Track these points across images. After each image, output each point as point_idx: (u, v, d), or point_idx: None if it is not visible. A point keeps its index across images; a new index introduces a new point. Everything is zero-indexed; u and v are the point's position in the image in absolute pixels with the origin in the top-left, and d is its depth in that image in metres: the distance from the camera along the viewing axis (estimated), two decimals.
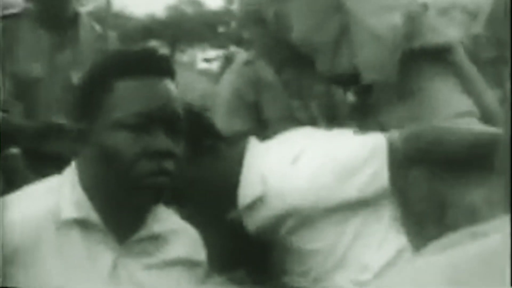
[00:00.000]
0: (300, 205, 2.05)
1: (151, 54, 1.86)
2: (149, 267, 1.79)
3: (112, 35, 3.34)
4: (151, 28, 6.55)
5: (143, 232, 1.78)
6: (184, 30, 6.49)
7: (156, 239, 1.81)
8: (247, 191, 2.14)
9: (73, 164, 1.83)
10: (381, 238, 2.15)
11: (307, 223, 2.10)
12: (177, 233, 1.85)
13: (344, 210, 2.07)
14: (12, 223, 1.66)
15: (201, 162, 2.11)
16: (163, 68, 1.77)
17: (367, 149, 2.10)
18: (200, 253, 1.91)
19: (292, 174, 2.07)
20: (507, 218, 0.98)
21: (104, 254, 1.73)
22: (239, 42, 4.16)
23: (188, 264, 1.86)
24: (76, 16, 2.86)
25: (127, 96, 1.74)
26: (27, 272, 1.70)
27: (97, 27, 2.94)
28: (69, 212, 1.72)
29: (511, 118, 0.82)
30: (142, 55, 1.86)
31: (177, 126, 1.76)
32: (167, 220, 1.84)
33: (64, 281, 1.67)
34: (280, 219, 2.08)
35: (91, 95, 1.78)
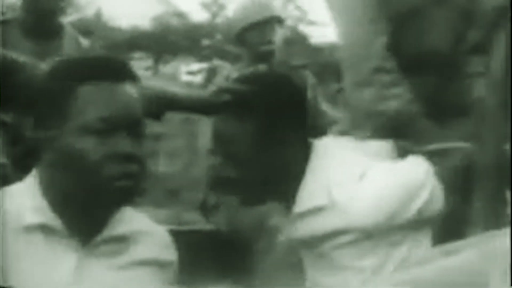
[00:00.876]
0: (362, 224, 2.12)
1: (110, 59, 1.89)
2: (114, 268, 1.81)
3: (96, 46, 3.36)
4: (136, 39, 6.57)
5: (106, 234, 1.80)
6: (168, 42, 6.51)
7: (120, 240, 1.84)
8: (309, 197, 2.16)
9: (33, 171, 1.85)
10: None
11: (362, 241, 2.14)
12: (143, 234, 1.88)
13: (402, 232, 2.11)
14: None
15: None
16: (122, 72, 1.80)
17: (422, 171, 2.19)
18: (169, 254, 1.93)
19: (358, 191, 2.13)
20: (486, 235, 1.00)
21: (67, 257, 1.76)
22: (223, 56, 4.18)
23: (156, 264, 1.88)
24: (60, 27, 2.88)
25: (91, 101, 1.77)
26: None
27: (81, 38, 2.96)
28: (30, 218, 1.75)
29: (511, 115, 0.86)
30: (102, 61, 1.89)
31: (139, 130, 1.79)
32: (132, 221, 1.87)
33: (28, 284, 1.69)
34: (335, 234, 2.13)
35: (54, 101, 1.81)
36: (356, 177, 2.14)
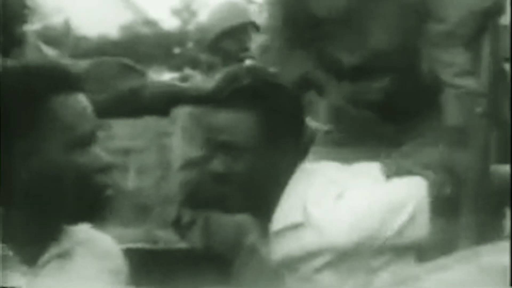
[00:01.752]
0: (337, 242, 2.09)
1: (64, 69, 1.90)
2: (63, 283, 1.80)
3: (61, 55, 3.33)
4: (104, 49, 6.55)
5: (53, 251, 1.80)
6: (138, 51, 6.51)
7: (67, 254, 1.83)
8: (285, 215, 2.15)
9: None
10: None
11: (339, 264, 2.11)
12: (87, 244, 1.88)
13: (382, 257, 2.11)
14: None
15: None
16: (77, 83, 1.82)
17: (405, 191, 2.19)
18: (115, 262, 1.93)
19: (334, 209, 2.11)
20: (476, 250, 0.98)
21: (16, 280, 1.76)
22: (195, 65, 4.14)
23: (106, 272, 1.89)
24: (22, 35, 2.85)
25: (59, 114, 1.78)
26: None
27: (44, 47, 2.94)
28: None
29: (511, 123, 0.84)
30: (57, 70, 1.89)
31: (93, 139, 1.83)
32: (75, 234, 1.87)
33: None
34: (311, 254, 2.10)
35: (27, 112, 1.79)
36: (334, 196, 2.15)
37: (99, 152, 1.86)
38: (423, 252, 2.17)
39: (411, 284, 0.95)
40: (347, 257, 2.10)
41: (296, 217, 2.16)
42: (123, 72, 2.64)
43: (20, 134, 1.86)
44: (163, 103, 2.54)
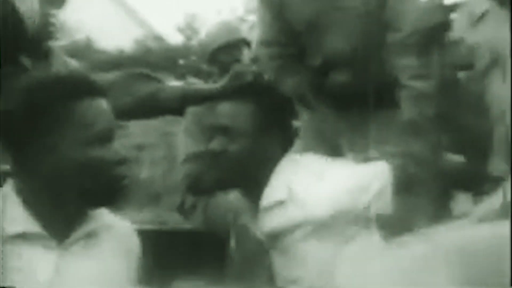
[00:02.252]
0: (317, 215, 2.10)
1: (84, 78, 1.89)
2: (88, 260, 1.79)
3: (84, 66, 3.30)
4: (120, 60, 6.53)
5: (80, 231, 1.79)
6: (149, 62, 6.49)
7: (92, 235, 1.82)
8: (272, 193, 2.16)
9: (8, 182, 1.82)
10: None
11: (318, 234, 2.11)
12: (108, 227, 1.87)
13: (354, 227, 2.11)
14: None
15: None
16: (97, 89, 1.80)
17: (373, 172, 2.17)
18: (130, 242, 1.93)
19: (315, 187, 2.12)
20: (435, 228, 0.98)
21: (46, 256, 1.74)
22: (197, 74, 4.14)
23: (121, 253, 1.87)
24: (49, 50, 2.82)
25: (80, 114, 1.75)
26: None
27: (69, 60, 2.91)
28: (12, 227, 1.72)
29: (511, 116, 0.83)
30: (79, 81, 1.88)
31: (112, 136, 1.81)
32: (100, 217, 1.86)
33: (15, 284, 1.67)
34: (295, 226, 2.11)
35: (38, 114, 1.78)
36: (314, 178, 2.17)
37: (117, 148, 1.87)
38: (386, 225, 2.20)
39: (376, 258, 0.94)
40: (325, 227, 2.12)
41: (282, 195, 2.19)
42: (142, 80, 2.65)
43: (48, 131, 1.86)
44: (178, 103, 2.55)
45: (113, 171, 1.81)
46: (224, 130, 2.25)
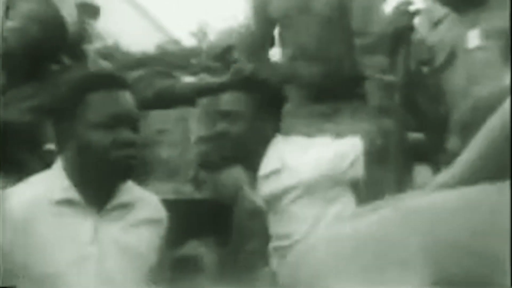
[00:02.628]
0: (306, 179, 2.13)
1: (111, 74, 1.89)
2: (122, 227, 1.82)
3: (113, 66, 3.31)
4: (143, 61, 6.51)
5: (115, 202, 1.81)
6: (167, 61, 6.47)
7: (126, 206, 1.84)
8: (268, 164, 2.19)
9: (58, 158, 1.85)
10: None
11: (307, 195, 2.14)
12: (141, 200, 1.89)
13: (335, 190, 2.14)
14: (13, 204, 1.66)
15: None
16: (120, 83, 1.81)
17: (349, 144, 2.22)
18: (160, 213, 1.95)
19: (303, 157, 2.15)
20: (399, 196, 0.99)
21: (86, 222, 1.76)
22: (208, 71, 4.15)
23: (152, 222, 1.89)
24: (83, 53, 2.84)
25: (97, 104, 1.76)
26: (25, 239, 1.69)
27: (100, 61, 2.93)
28: (58, 194, 1.74)
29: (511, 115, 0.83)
30: (106, 75, 1.89)
31: (135, 123, 1.80)
32: (132, 191, 1.88)
33: (55, 244, 1.68)
34: (287, 190, 2.14)
35: (69, 104, 1.80)
36: (302, 149, 2.21)
37: (125, 133, 1.86)
38: (359, 190, 2.23)
39: (350, 221, 0.92)
40: (311, 189, 2.16)
41: (276, 165, 2.23)
42: (161, 76, 2.67)
43: (74, 117, 1.87)
44: (190, 95, 2.57)
45: (110, 154, 1.80)
46: (226, 115, 2.29)
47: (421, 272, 0.75)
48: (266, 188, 2.25)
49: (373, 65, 2.47)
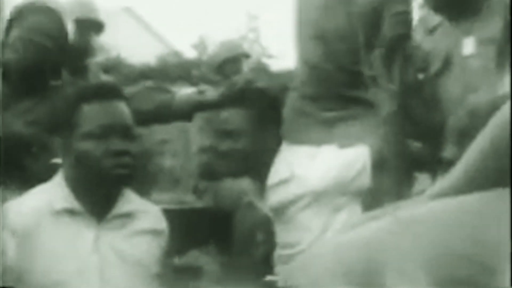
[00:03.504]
0: (313, 188, 2.11)
1: (104, 85, 1.88)
2: (123, 237, 1.80)
3: (115, 79, 3.30)
4: (145, 72, 6.52)
5: (115, 212, 1.79)
6: (168, 72, 6.49)
7: (127, 216, 1.83)
8: (276, 173, 2.17)
9: (60, 170, 1.83)
10: None
11: (314, 204, 2.12)
12: (142, 211, 1.87)
13: (341, 199, 2.12)
14: (15, 214, 1.65)
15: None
16: (114, 93, 1.80)
17: (356, 154, 2.18)
18: (161, 224, 1.93)
19: (311, 166, 2.13)
20: (397, 204, 0.97)
21: (87, 232, 1.74)
22: (208, 82, 4.15)
23: (153, 232, 1.88)
24: (85, 68, 2.84)
25: (90, 115, 1.75)
26: (28, 249, 1.68)
27: (101, 74, 2.93)
28: (59, 204, 1.72)
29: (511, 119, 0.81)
30: (99, 86, 1.88)
31: (130, 133, 1.78)
32: (134, 201, 1.86)
33: (57, 253, 1.67)
34: (295, 199, 2.11)
35: (66, 117, 1.80)
36: (310, 157, 2.18)
37: (116, 143, 1.83)
38: (368, 198, 2.21)
39: (351, 229, 0.90)
40: (319, 198, 2.14)
41: (285, 174, 2.21)
42: (157, 91, 2.65)
43: (73, 128, 1.86)
44: (186, 110, 2.55)
45: (103, 163, 1.79)
46: (229, 134, 2.29)
47: (420, 280, 0.73)
48: (275, 197, 2.23)
49: (371, 73, 2.44)
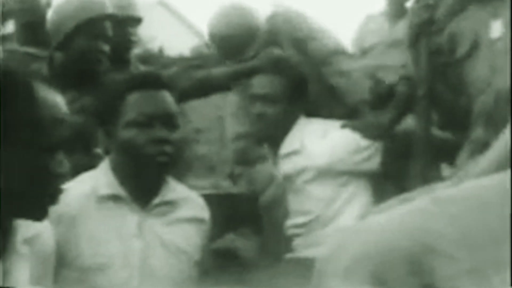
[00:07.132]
0: (319, 163, 2.18)
1: (149, 75, 1.89)
2: (166, 224, 1.80)
3: (154, 69, 3.31)
4: (179, 63, 6.54)
5: (159, 199, 1.80)
6: (202, 63, 6.52)
7: (170, 203, 1.83)
8: (289, 144, 2.26)
9: (106, 157, 1.84)
10: (362, 206, 2.20)
11: (321, 179, 2.19)
12: (186, 199, 1.88)
13: (346, 176, 2.15)
14: (63, 200, 1.65)
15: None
16: (158, 83, 1.81)
17: (365, 141, 2.21)
18: (204, 213, 1.93)
19: (321, 142, 2.20)
20: (429, 187, 0.94)
21: (131, 217, 1.75)
22: None
23: (196, 221, 1.88)
24: (127, 59, 2.86)
25: (134, 104, 1.76)
26: (74, 233, 1.68)
27: (140, 66, 2.95)
28: (104, 190, 1.73)
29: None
30: (144, 76, 1.88)
31: (172, 122, 1.78)
32: (178, 190, 1.87)
33: (102, 238, 1.67)
34: (303, 170, 2.20)
35: (112, 106, 1.80)
36: (321, 133, 2.23)
37: (159, 131, 1.83)
38: (377, 180, 2.21)
39: (383, 213, 0.88)
40: (322, 174, 2.17)
41: (296, 146, 2.25)
42: (196, 68, 2.68)
43: (118, 115, 1.86)
44: (226, 79, 2.58)
45: (144, 151, 1.78)
46: (261, 98, 2.34)
47: (458, 260, 0.71)
48: (285, 166, 2.30)
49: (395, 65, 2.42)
